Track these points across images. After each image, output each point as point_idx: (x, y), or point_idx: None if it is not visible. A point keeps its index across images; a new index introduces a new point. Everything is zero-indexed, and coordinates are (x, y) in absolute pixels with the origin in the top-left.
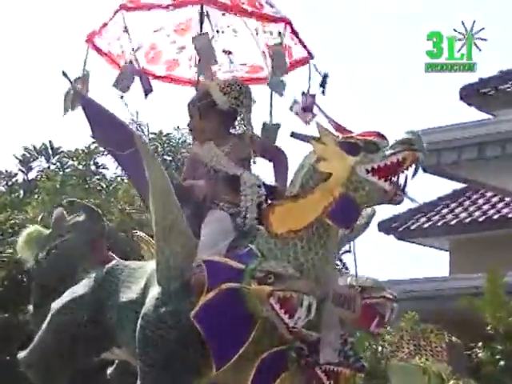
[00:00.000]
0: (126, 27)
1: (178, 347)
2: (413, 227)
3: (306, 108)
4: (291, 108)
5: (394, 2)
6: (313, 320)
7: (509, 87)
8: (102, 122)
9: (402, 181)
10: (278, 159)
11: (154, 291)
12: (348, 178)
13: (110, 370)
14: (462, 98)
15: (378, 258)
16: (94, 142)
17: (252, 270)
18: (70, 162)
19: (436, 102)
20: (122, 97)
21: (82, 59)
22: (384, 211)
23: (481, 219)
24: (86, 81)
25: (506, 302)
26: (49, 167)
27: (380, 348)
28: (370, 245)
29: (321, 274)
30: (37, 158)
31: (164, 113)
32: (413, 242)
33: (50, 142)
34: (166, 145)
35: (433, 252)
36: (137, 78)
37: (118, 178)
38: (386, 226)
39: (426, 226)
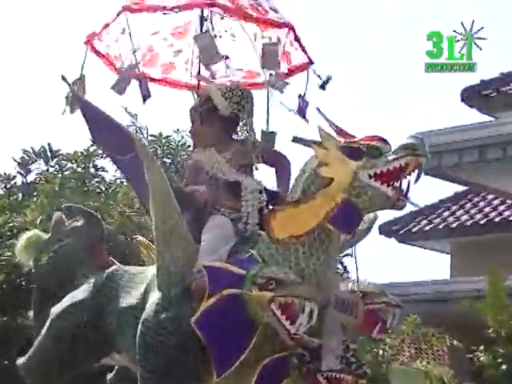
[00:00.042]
0: (127, 29)
1: (179, 353)
2: (414, 230)
3: (300, 111)
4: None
5: (394, 2)
6: (314, 326)
7: (510, 89)
8: (100, 125)
9: (404, 186)
10: (281, 165)
11: (155, 297)
12: (350, 184)
13: (109, 376)
14: (463, 100)
15: (378, 260)
16: (92, 145)
17: (253, 275)
18: (69, 165)
19: (436, 104)
20: (126, 108)
21: (81, 61)
22: (385, 214)
23: (482, 222)
24: (83, 83)
25: (507, 305)
26: (48, 170)
27: (381, 351)
28: (371, 247)
29: (322, 279)
30: (35, 160)
31: (163, 115)
32: (414, 245)
33: (48, 144)
34: (165, 147)
35: (434, 255)
36: (134, 81)
37: (118, 181)
38: (387, 229)
39: (427, 228)
